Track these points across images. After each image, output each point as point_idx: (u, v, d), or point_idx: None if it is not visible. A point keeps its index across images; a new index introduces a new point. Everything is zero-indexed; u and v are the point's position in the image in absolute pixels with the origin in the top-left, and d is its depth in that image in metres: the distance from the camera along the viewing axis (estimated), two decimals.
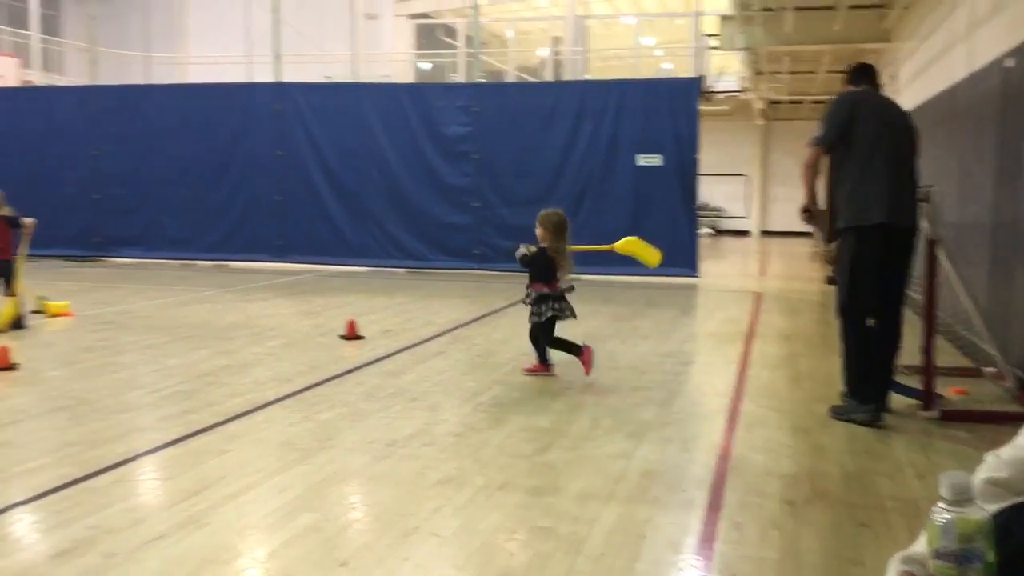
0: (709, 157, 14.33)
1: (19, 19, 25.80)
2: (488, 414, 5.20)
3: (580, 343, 6.12)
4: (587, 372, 6.03)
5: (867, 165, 4.97)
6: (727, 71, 23.19)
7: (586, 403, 5.43)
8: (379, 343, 7.37)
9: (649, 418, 5.10)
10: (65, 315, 8.54)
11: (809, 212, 5.24)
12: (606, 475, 4.06)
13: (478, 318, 8.87)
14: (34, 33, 24.58)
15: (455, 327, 8.29)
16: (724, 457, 4.38)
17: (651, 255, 6.90)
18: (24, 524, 3.51)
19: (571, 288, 6.17)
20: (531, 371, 6.16)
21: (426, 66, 28.01)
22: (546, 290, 6.07)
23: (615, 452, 4.42)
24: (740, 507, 3.69)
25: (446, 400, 5.48)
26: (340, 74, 21.13)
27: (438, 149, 13.28)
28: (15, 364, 6.15)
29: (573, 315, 6.13)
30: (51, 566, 3.03)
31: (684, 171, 12.40)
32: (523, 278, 6.24)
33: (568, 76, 22.23)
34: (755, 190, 27.16)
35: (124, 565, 3.04)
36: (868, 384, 5.04)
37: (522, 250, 6.16)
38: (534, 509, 3.62)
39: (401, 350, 7.09)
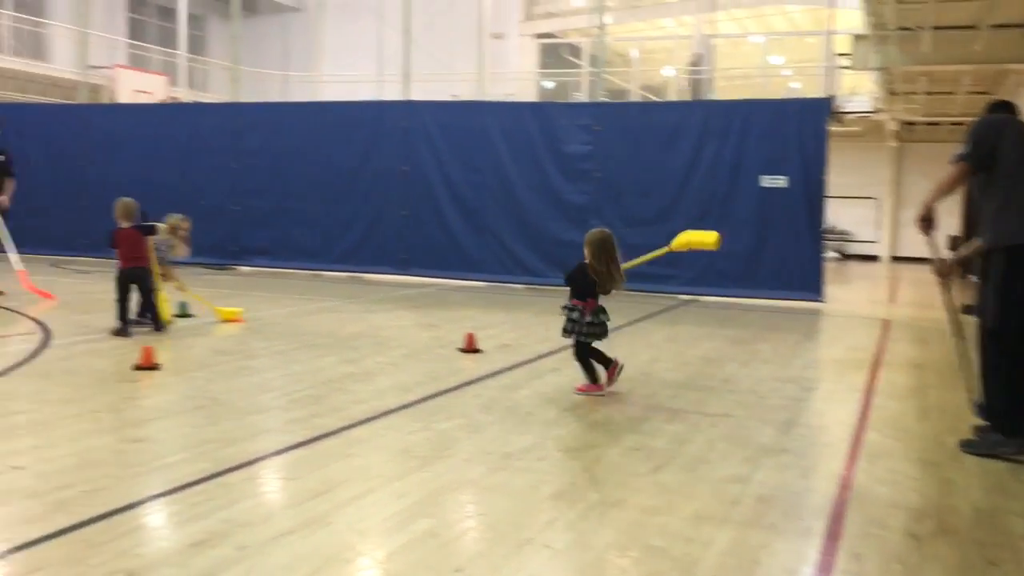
0: (838, 179, 13.95)
1: (168, 39, 27.45)
2: (602, 431, 5.22)
3: (611, 357, 6.21)
4: (607, 384, 6.15)
5: (1015, 185, 4.78)
6: (859, 91, 22.55)
7: (702, 425, 5.38)
8: (496, 357, 7.48)
9: (767, 443, 5.01)
10: (236, 321, 8.95)
11: (927, 220, 5.07)
12: (721, 498, 4.02)
13: None
14: (181, 52, 26.09)
15: (570, 345, 8.32)
16: (845, 486, 4.27)
17: (707, 238, 6.91)
18: (163, 515, 3.74)
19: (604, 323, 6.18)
20: (582, 390, 6.14)
21: (549, 84, 28.31)
22: (579, 306, 6.11)
23: (731, 475, 4.37)
24: (861, 538, 3.59)
25: (560, 416, 5.53)
26: (466, 92, 21.62)
27: (559, 167, 13.35)
28: (158, 364, 6.54)
29: (604, 335, 6.18)
30: (188, 555, 3.22)
31: (810, 193, 12.09)
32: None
33: (694, 96, 22.08)
34: (886, 214, 26.20)
35: (254, 557, 3.21)
36: (1015, 417, 4.80)
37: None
38: (647, 528, 3.62)
39: (517, 365, 7.19)
